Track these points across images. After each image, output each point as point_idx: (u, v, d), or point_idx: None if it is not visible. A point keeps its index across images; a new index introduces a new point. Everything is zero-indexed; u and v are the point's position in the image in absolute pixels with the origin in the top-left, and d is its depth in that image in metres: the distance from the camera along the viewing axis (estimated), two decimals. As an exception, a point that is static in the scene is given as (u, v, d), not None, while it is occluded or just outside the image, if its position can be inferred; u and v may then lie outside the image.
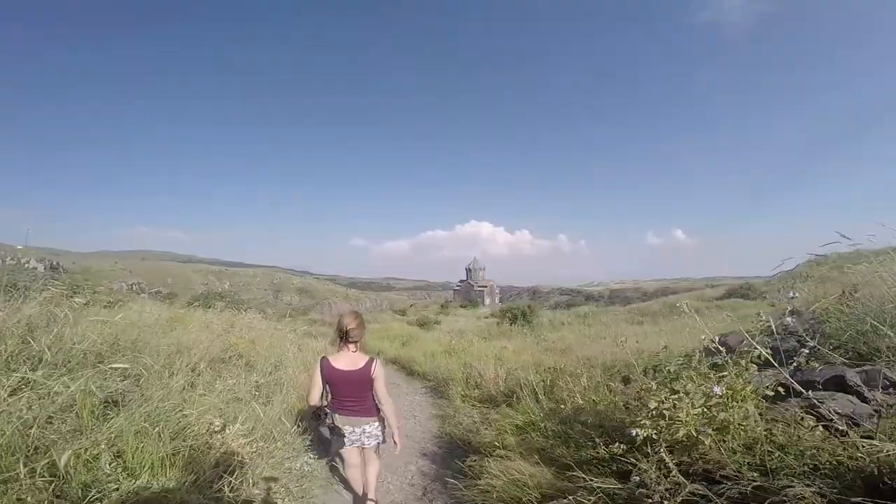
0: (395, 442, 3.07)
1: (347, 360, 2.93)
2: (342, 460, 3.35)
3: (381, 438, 3.08)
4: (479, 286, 75.77)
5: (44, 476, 2.21)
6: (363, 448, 3.12)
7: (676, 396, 2.29)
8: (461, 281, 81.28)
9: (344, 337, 2.92)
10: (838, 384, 2.69)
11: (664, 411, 2.28)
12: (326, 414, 2.99)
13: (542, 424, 3.61)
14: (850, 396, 2.54)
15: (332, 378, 2.92)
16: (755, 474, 1.88)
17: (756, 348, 2.35)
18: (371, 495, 3.20)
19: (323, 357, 3.00)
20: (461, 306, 54.48)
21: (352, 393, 2.95)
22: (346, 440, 3.01)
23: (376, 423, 3.05)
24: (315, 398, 2.97)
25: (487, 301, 69.14)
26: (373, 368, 2.94)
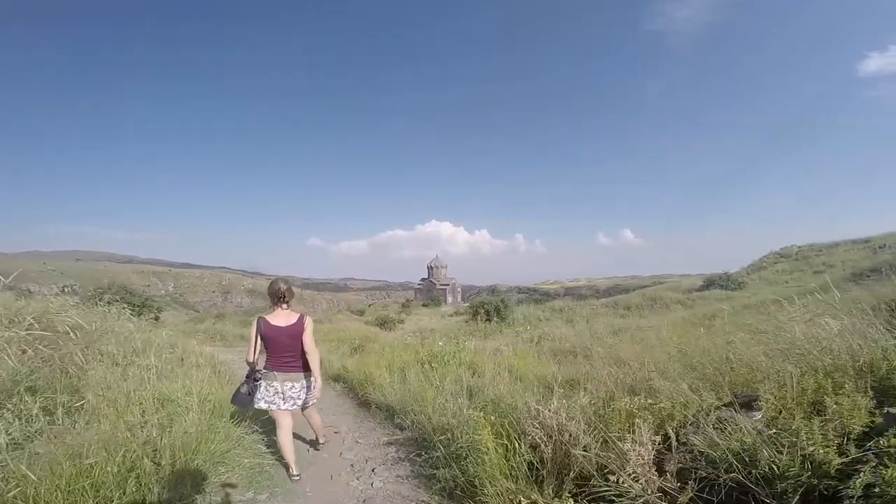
0: (314, 389, 3.16)
1: (282, 318, 3.12)
2: (277, 425, 3.14)
3: (311, 398, 3.17)
4: (441, 284, 71.92)
5: None
6: (302, 409, 3.24)
7: None
8: (423, 279, 77.11)
9: (280, 298, 3.12)
10: None
11: None
12: (260, 373, 3.07)
13: None
14: None
15: (269, 334, 3.05)
16: None
17: None
18: (321, 438, 3.60)
19: (259, 317, 3.13)
20: (423, 305, 50.68)
21: (288, 348, 3.10)
22: (284, 398, 3.06)
23: (311, 379, 3.16)
24: (252, 355, 3.07)
25: (450, 299, 65.71)
26: (305, 322, 3.14)
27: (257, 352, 3.06)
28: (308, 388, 3.14)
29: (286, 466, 3.11)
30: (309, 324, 3.14)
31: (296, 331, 3.07)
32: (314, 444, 3.64)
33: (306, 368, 3.13)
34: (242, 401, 3.03)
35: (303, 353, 3.10)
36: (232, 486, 2.80)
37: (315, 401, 3.20)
